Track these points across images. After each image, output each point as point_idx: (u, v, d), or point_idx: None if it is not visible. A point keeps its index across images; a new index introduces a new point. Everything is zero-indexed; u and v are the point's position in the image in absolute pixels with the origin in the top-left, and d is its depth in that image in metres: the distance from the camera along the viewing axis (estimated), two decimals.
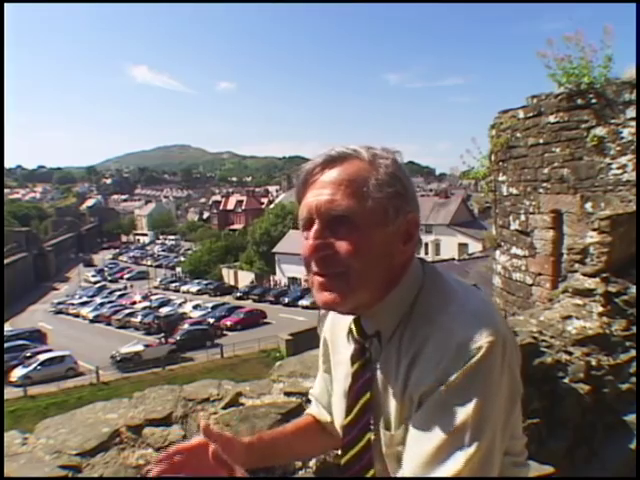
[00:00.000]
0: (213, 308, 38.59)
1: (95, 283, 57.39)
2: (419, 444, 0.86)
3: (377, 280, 0.95)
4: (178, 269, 60.77)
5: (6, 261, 48.66)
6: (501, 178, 6.07)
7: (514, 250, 5.85)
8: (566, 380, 2.42)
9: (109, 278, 61.23)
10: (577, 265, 3.32)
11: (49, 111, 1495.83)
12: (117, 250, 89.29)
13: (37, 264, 60.19)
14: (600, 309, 2.89)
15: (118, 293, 49.48)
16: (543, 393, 2.27)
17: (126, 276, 61.72)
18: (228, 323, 34.98)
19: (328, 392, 1.24)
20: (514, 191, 5.80)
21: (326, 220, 0.93)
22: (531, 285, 5.55)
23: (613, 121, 4.58)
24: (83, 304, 43.21)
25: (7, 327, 36.28)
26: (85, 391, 24.33)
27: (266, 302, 41.56)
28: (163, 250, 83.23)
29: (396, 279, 0.98)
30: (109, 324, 37.29)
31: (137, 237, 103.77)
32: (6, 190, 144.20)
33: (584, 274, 3.14)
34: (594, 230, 3.25)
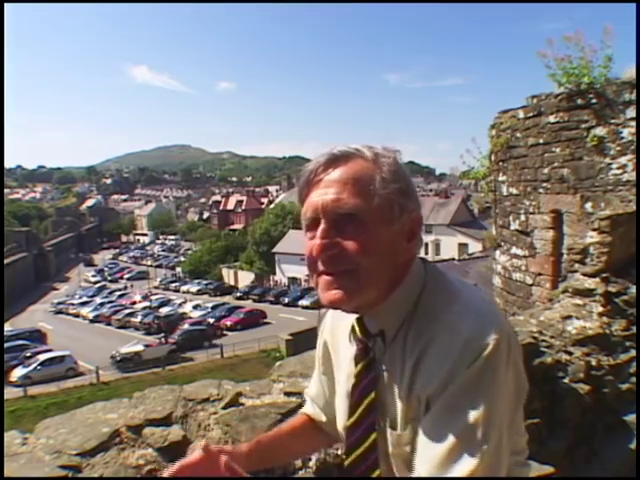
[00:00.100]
0: (213, 308, 38.59)
1: (95, 283, 57.39)
2: (431, 446, 0.86)
3: (384, 278, 0.95)
4: (178, 269, 60.78)
5: (6, 261, 48.67)
6: (501, 178, 6.07)
7: (514, 250, 5.85)
8: (566, 380, 2.42)
9: (109, 278, 61.23)
10: (577, 265, 3.32)
11: (49, 111, 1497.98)
12: (117, 250, 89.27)
13: (37, 264, 60.20)
14: (600, 309, 2.89)
15: (118, 293, 49.49)
16: (543, 393, 2.27)
17: (126, 276, 61.73)
18: (228, 323, 34.99)
19: (324, 393, 1.24)
20: (514, 191, 5.80)
21: (332, 219, 0.92)
22: (531, 285, 5.55)
23: (613, 121, 4.58)
24: (83, 304, 43.21)
25: (7, 327, 36.28)
26: (85, 391, 24.34)
27: (266, 302, 41.55)
28: (163, 250, 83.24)
29: (400, 278, 0.98)
30: (109, 324, 37.29)
31: (137, 237, 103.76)
32: (6, 190, 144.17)
33: (584, 274, 3.14)
34: (594, 230, 3.25)
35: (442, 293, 0.97)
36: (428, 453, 0.87)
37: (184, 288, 50.35)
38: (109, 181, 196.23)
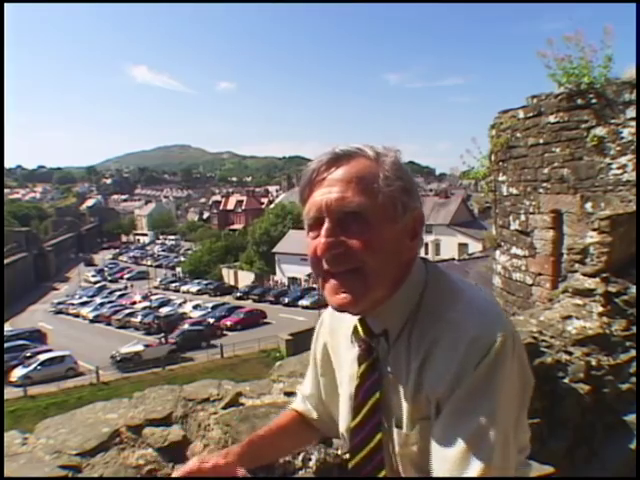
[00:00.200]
0: (213, 308, 38.60)
1: (95, 283, 57.39)
2: (445, 448, 0.87)
3: (390, 277, 0.95)
4: (178, 269, 60.77)
5: (6, 261, 48.67)
6: (501, 178, 6.07)
7: (514, 250, 5.85)
8: (566, 380, 2.42)
9: (109, 278, 61.23)
10: (577, 265, 3.32)
11: (49, 111, 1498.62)
12: (117, 250, 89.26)
13: (37, 264, 60.20)
14: (600, 309, 2.89)
15: (118, 293, 49.50)
16: (543, 393, 2.27)
17: (126, 276, 61.72)
18: (228, 323, 34.98)
19: (320, 393, 1.24)
20: (514, 191, 5.80)
21: (337, 218, 0.92)
22: (531, 285, 5.55)
23: (613, 121, 4.58)
24: (83, 304, 43.21)
25: (7, 327, 36.29)
26: (85, 391, 24.33)
27: (266, 302, 41.55)
28: (163, 250, 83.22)
29: (403, 277, 0.97)
30: (109, 324, 37.28)
31: (137, 237, 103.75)
32: (6, 190, 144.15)
33: (584, 274, 3.14)
34: (594, 230, 3.25)
35: (445, 292, 0.97)
36: (442, 455, 0.87)
37: (184, 288, 50.34)
38: (109, 181, 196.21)
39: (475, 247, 37.25)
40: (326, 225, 0.92)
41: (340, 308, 0.95)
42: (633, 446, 2.34)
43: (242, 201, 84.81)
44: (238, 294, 45.16)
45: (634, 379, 2.60)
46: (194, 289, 49.24)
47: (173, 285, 53.08)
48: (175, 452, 1.68)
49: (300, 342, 22.44)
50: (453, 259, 25.60)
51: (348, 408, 1.07)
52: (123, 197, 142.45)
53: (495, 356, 0.86)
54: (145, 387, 2.06)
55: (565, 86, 4.88)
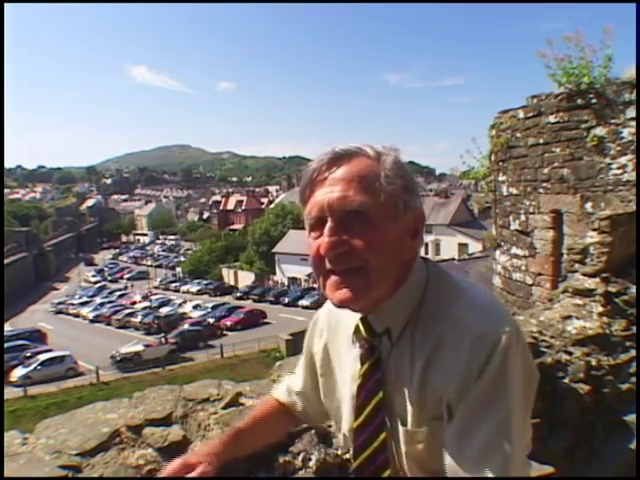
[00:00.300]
0: (213, 308, 38.59)
1: (95, 283, 57.39)
2: (462, 452, 0.87)
3: (392, 276, 0.95)
4: (178, 269, 60.76)
5: (6, 261, 48.67)
6: (501, 178, 6.07)
7: (514, 250, 5.85)
8: (566, 380, 2.42)
9: (109, 278, 61.22)
10: (577, 265, 3.31)
11: (49, 111, 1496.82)
12: (117, 250, 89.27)
13: (37, 264, 60.20)
14: (600, 309, 2.89)
15: (118, 293, 49.49)
16: (543, 393, 2.26)
17: (126, 276, 61.71)
18: (228, 323, 34.97)
19: (313, 392, 1.23)
20: (514, 191, 5.80)
21: (339, 217, 0.92)
22: (531, 285, 5.55)
23: (613, 121, 4.58)
24: (83, 304, 43.19)
25: (7, 327, 36.28)
26: (85, 391, 24.32)
27: (266, 302, 41.55)
28: (163, 250, 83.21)
29: (404, 275, 0.98)
30: (109, 324, 37.27)
31: (137, 237, 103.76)
32: (6, 190, 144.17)
33: (584, 274, 3.14)
34: (594, 230, 3.25)
35: (446, 291, 0.97)
36: (459, 459, 0.87)
37: (184, 288, 50.33)
38: (109, 181, 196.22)
39: (475, 247, 37.24)
40: (329, 224, 0.92)
41: (341, 304, 0.94)
42: (633, 446, 2.34)
43: (242, 201, 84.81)
44: (238, 294, 45.15)
45: (634, 379, 2.60)
46: (194, 289, 49.23)
47: (173, 285, 53.07)
48: (175, 452, 1.67)
49: (300, 342, 22.04)
50: (453, 259, 25.58)
51: (350, 408, 1.06)
52: (123, 197, 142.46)
53: (502, 354, 0.86)
54: (145, 387, 2.06)
55: (565, 86, 4.88)
